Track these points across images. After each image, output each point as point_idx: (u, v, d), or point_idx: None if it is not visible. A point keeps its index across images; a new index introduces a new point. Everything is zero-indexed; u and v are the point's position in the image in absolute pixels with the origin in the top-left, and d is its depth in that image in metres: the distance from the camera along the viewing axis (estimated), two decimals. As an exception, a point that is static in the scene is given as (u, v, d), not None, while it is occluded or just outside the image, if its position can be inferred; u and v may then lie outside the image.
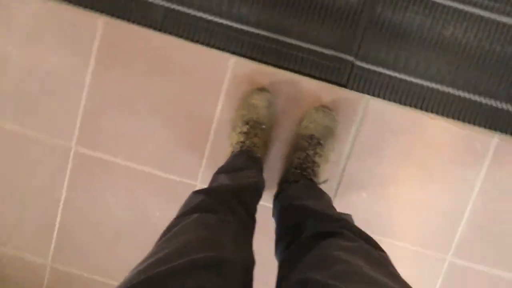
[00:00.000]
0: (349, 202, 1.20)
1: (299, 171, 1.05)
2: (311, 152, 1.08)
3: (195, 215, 0.64)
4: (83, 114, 1.20)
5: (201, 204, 0.68)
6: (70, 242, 1.29)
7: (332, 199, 1.00)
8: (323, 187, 1.05)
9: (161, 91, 1.17)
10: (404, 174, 1.18)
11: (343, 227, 0.69)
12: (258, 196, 0.91)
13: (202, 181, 1.21)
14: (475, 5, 1.04)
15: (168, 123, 1.19)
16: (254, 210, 0.84)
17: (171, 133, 1.19)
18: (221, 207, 0.69)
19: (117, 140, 1.21)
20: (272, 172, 1.17)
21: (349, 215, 0.80)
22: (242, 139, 1.08)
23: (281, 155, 1.18)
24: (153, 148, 1.20)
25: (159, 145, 1.20)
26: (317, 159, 1.08)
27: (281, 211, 0.92)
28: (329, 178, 1.13)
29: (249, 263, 0.63)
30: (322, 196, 0.95)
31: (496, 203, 1.17)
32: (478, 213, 1.17)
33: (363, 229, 0.70)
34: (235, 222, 0.67)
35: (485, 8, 1.04)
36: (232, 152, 1.08)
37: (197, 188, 0.84)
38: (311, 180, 1.03)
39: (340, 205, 1.19)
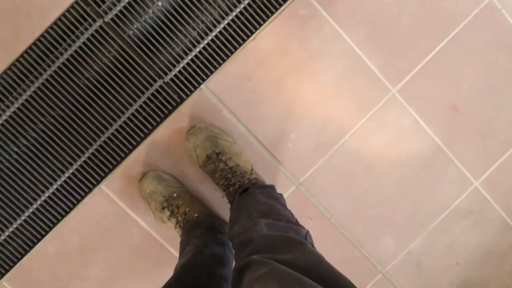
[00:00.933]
0: (292, 153, 1.17)
1: (228, 190, 1.03)
2: (221, 166, 1.05)
3: None
4: None
5: None
6: None
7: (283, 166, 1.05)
8: (260, 166, 1.07)
9: (99, 267, 1.15)
10: (294, 89, 1.15)
11: (252, 252, 0.70)
12: (207, 260, 0.87)
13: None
14: None
15: (133, 276, 1.17)
16: (210, 277, 0.81)
17: (143, 280, 1.17)
18: None
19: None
20: (225, 205, 1.14)
21: (260, 225, 0.78)
22: (174, 221, 1.07)
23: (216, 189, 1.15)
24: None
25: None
26: (230, 163, 1.05)
27: None
28: (253, 162, 1.10)
29: None
30: (255, 201, 0.92)
31: (363, 20, 1.14)
32: (364, 43, 1.14)
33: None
34: None
35: None
36: (181, 236, 1.06)
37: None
38: (241, 185, 1.00)
39: (290, 162, 1.17)
